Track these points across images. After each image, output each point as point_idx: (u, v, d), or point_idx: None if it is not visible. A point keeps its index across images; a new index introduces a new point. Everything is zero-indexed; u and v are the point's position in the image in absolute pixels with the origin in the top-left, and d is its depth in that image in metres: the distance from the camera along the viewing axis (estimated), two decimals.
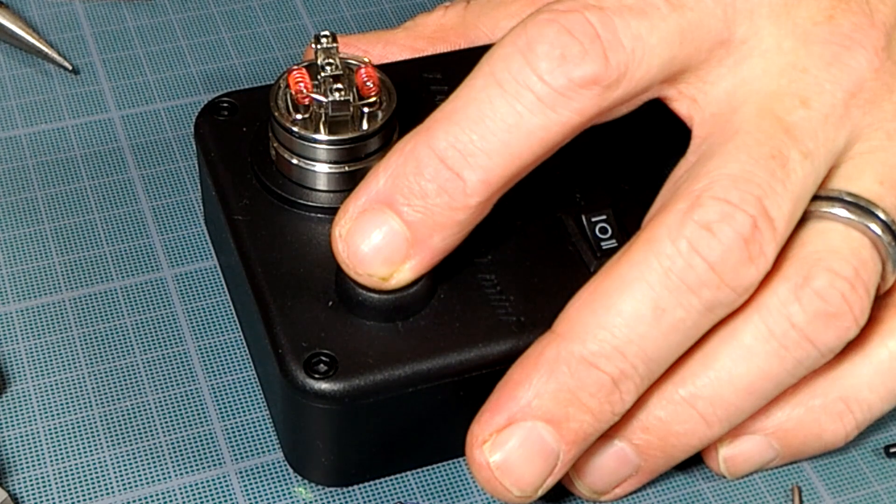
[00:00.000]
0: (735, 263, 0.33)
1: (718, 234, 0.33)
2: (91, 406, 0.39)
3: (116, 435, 0.39)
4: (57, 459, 0.38)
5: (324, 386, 0.35)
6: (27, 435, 0.39)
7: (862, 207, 0.35)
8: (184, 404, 0.40)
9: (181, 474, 0.38)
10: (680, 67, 0.35)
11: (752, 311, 0.35)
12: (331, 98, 0.37)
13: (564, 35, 0.34)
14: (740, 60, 0.35)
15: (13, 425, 0.39)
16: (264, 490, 0.38)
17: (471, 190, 0.34)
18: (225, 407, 0.40)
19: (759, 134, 0.35)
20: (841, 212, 0.35)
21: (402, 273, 0.35)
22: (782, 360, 0.35)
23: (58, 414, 0.39)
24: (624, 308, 0.33)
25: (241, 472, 0.38)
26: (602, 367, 0.34)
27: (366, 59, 0.38)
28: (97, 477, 0.38)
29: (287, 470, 0.38)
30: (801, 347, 0.34)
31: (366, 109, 0.37)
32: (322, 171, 0.38)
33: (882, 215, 0.35)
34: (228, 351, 0.41)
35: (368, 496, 0.38)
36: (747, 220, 0.33)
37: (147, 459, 0.38)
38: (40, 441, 0.38)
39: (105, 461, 0.38)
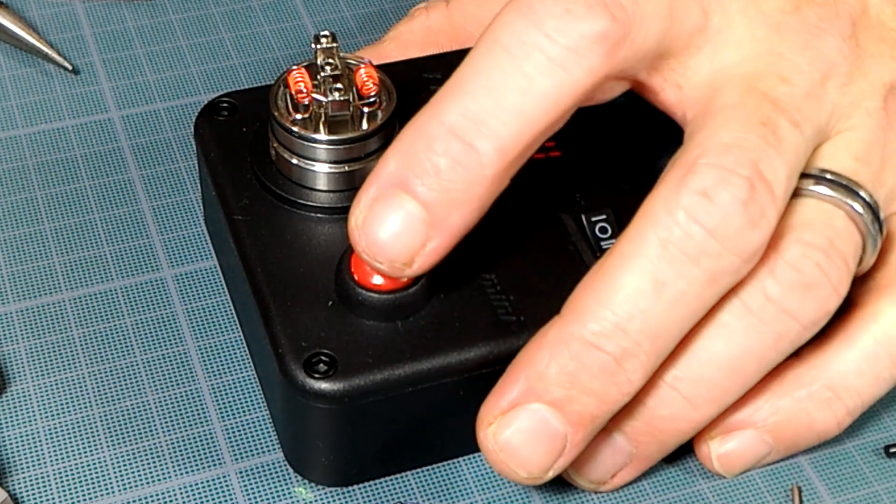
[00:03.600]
0: (737, 228, 0.33)
1: (715, 199, 0.33)
2: (91, 406, 0.39)
3: (116, 435, 0.39)
4: (57, 459, 0.38)
5: (324, 386, 0.35)
6: (27, 435, 0.39)
7: (844, 185, 0.35)
8: (184, 404, 0.40)
9: (181, 474, 0.38)
10: (667, 48, 0.35)
11: None
12: (331, 98, 0.37)
13: None
14: (717, 49, 0.36)
15: (13, 425, 0.39)
16: (264, 490, 0.38)
17: (486, 160, 0.33)
18: (225, 407, 0.40)
19: (747, 105, 0.35)
20: (821, 189, 0.35)
21: (423, 257, 0.34)
22: (762, 336, 0.34)
23: (58, 414, 0.39)
24: (624, 284, 0.33)
25: (241, 472, 0.38)
26: (603, 346, 0.33)
27: (366, 59, 0.38)
28: (97, 477, 0.38)
29: (287, 470, 0.38)
30: (780, 321, 0.34)
31: (366, 109, 0.37)
32: (322, 171, 0.38)
33: (864, 194, 0.35)
34: (228, 351, 0.41)
35: (368, 496, 0.38)
36: (744, 182, 0.33)
37: (147, 459, 0.38)
38: (40, 441, 0.38)
39: (105, 461, 0.38)
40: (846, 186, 0.35)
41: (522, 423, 0.34)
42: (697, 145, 0.34)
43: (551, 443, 0.34)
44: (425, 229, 0.34)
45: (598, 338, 0.33)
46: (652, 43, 0.34)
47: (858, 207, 0.35)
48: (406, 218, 0.33)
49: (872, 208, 0.35)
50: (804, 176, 0.35)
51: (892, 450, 0.39)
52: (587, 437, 0.35)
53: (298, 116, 0.38)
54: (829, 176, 0.35)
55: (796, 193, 0.35)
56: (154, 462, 0.38)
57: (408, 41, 0.44)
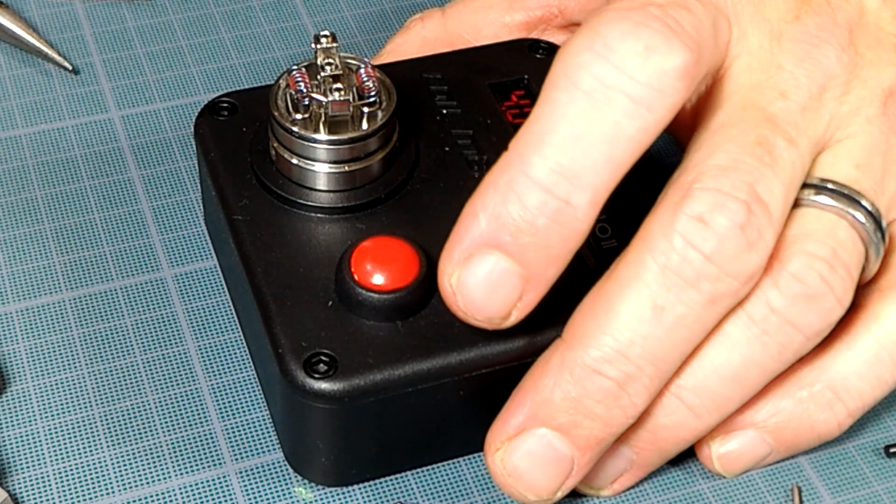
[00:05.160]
0: (733, 252, 0.33)
1: (712, 224, 0.33)
2: (91, 406, 0.39)
3: (116, 435, 0.39)
4: (57, 459, 0.38)
5: (324, 386, 0.35)
6: (27, 435, 0.39)
7: (845, 195, 0.35)
8: (184, 404, 0.40)
9: (181, 474, 0.38)
10: (709, 66, 0.35)
11: None
12: (330, 98, 0.37)
13: (642, 28, 0.32)
14: (734, 58, 0.36)
15: (13, 425, 0.39)
16: (264, 490, 0.38)
17: (582, 214, 0.33)
18: (225, 407, 0.40)
19: (743, 124, 0.35)
20: (823, 199, 0.35)
21: (520, 309, 0.34)
22: (765, 347, 0.34)
23: (58, 414, 0.39)
24: (623, 310, 0.33)
25: (241, 472, 0.38)
26: (606, 372, 0.33)
27: (366, 59, 0.38)
28: (97, 477, 0.38)
29: (287, 470, 0.38)
30: (784, 332, 0.34)
31: (366, 109, 0.37)
32: (322, 171, 0.38)
33: (866, 203, 0.35)
34: (228, 351, 0.41)
35: (368, 496, 0.38)
36: (740, 206, 0.33)
37: (147, 459, 0.38)
38: (40, 441, 0.38)
39: (105, 461, 0.38)
40: (848, 196, 0.35)
41: (530, 448, 0.34)
42: (693, 167, 0.34)
43: (559, 466, 0.34)
44: (522, 284, 0.33)
45: (600, 363, 0.33)
46: (708, 62, 0.34)
47: (860, 217, 0.35)
48: (503, 276, 0.33)
49: (874, 217, 0.35)
50: (805, 186, 0.35)
51: (892, 450, 0.39)
52: (594, 459, 0.35)
53: (298, 116, 0.38)
54: (830, 186, 0.35)
55: (798, 204, 0.35)
56: (154, 462, 0.38)
57: (405, 52, 0.44)
